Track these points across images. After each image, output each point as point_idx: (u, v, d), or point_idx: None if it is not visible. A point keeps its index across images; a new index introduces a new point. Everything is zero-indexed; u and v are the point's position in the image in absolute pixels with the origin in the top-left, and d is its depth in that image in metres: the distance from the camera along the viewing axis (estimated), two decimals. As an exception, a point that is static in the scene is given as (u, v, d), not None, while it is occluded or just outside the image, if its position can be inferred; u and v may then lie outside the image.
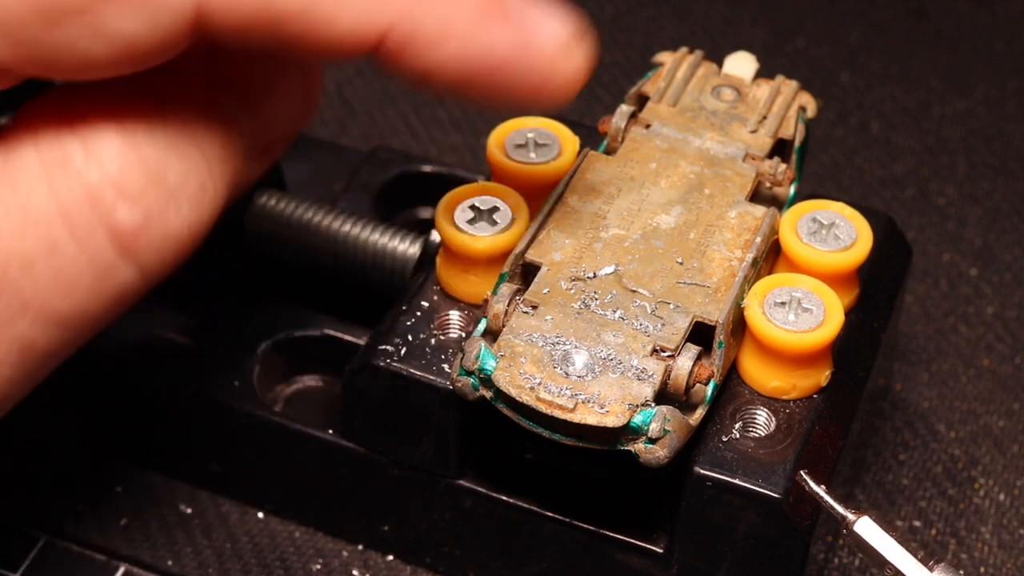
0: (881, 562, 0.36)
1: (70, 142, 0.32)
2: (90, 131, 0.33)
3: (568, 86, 0.34)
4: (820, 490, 0.37)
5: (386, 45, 0.32)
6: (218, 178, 0.34)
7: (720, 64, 0.44)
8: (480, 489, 0.40)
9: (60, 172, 0.32)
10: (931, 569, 0.36)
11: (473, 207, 0.40)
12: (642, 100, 0.44)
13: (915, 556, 0.36)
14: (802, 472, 0.37)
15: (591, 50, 0.34)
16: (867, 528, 0.36)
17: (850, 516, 0.37)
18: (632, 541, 0.39)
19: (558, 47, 0.33)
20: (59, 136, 0.33)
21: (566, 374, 0.36)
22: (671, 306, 0.37)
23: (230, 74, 0.35)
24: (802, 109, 0.43)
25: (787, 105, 0.43)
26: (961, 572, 0.36)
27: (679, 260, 0.39)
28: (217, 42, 0.32)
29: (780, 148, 0.43)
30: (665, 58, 0.44)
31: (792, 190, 0.42)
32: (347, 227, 0.44)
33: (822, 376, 0.39)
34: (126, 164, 0.32)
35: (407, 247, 0.43)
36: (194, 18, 0.32)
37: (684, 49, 0.44)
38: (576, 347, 0.36)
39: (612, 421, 0.35)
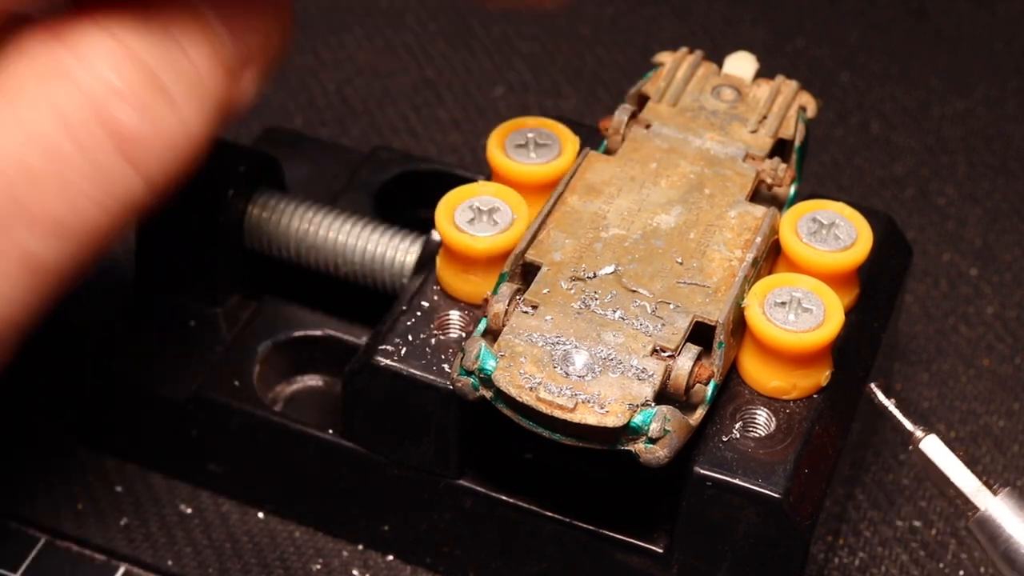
0: (944, 482, 0.35)
1: (62, 51, 0.33)
2: (80, 37, 0.33)
3: None
4: (889, 403, 0.36)
5: None
6: (207, 82, 0.34)
7: (720, 64, 0.44)
8: (480, 489, 0.40)
9: (56, 82, 0.32)
10: (995, 493, 0.35)
11: (473, 207, 0.40)
12: (642, 100, 0.44)
13: (979, 479, 0.35)
14: (872, 385, 0.36)
15: None
16: (933, 446, 0.36)
17: (918, 432, 0.36)
18: (632, 541, 0.39)
19: None
20: (50, 47, 0.33)
21: (566, 374, 0.36)
22: (671, 306, 0.37)
23: None
24: (802, 109, 0.43)
25: (787, 105, 0.43)
26: None
27: (679, 260, 0.39)
28: None
29: (780, 148, 0.43)
30: (665, 58, 0.44)
31: (792, 190, 0.42)
32: (347, 227, 0.44)
33: (822, 376, 0.39)
34: (120, 65, 0.33)
35: (407, 247, 0.43)
36: None
37: (684, 49, 0.44)
38: (576, 347, 0.36)
39: (612, 421, 0.35)
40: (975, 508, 0.35)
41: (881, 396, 0.36)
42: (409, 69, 0.60)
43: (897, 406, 0.36)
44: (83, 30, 0.33)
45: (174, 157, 0.34)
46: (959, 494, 0.35)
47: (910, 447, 0.35)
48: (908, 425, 0.36)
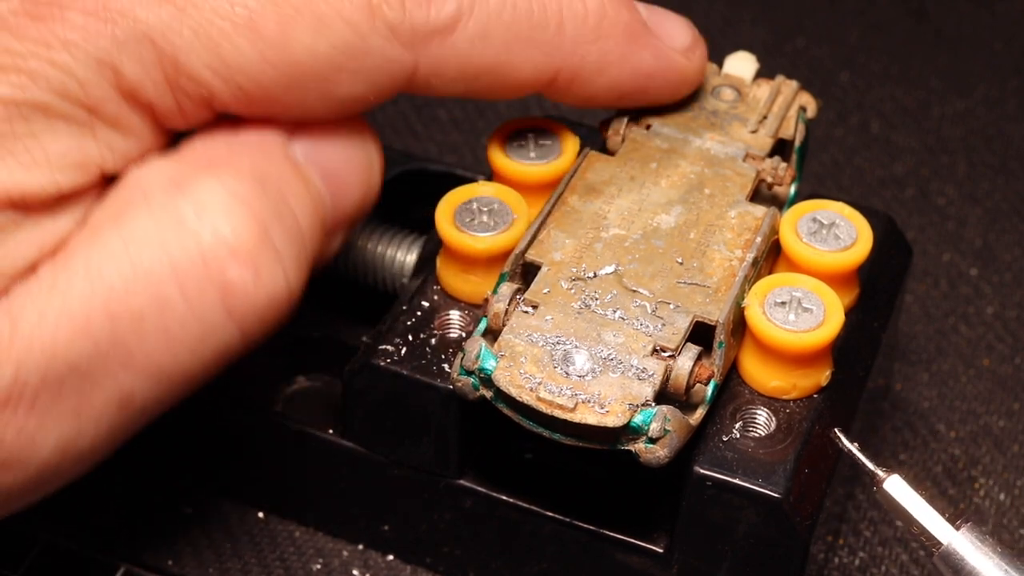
0: (908, 520, 0.36)
1: (180, 199, 0.33)
2: (199, 187, 0.33)
3: (698, 78, 0.41)
4: (852, 447, 0.37)
5: (557, 83, 0.38)
6: (309, 241, 0.35)
7: (720, 64, 0.44)
8: (480, 489, 0.40)
9: (172, 231, 0.33)
10: (957, 528, 0.36)
11: (473, 207, 0.40)
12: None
13: (942, 516, 0.36)
14: (836, 430, 0.37)
15: (705, 44, 0.41)
16: (896, 486, 0.36)
17: (880, 473, 0.37)
18: (632, 541, 0.39)
19: (689, 49, 0.40)
20: (170, 194, 0.33)
21: (566, 374, 0.36)
22: (671, 306, 0.37)
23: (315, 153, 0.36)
24: (802, 109, 0.43)
25: (787, 105, 0.43)
26: (985, 534, 0.36)
27: (679, 260, 0.39)
28: (415, 91, 0.36)
29: (780, 148, 0.43)
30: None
31: (792, 190, 0.42)
32: (347, 227, 0.44)
33: (822, 376, 0.39)
34: (236, 221, 0.33)
35: (407, 247, 0.43)
36: (406, 80, 0.35)
37: (684, 49, 0.44)
38: (576, 347, 0.36)
39: (612, 421, 0.35)
40: (939, 543, 0.35)
41: (845, 440, 0.37)
42: (409, 69, 0.60)
43: (860, 449, 0.37)
44: (201, 180, 0.33)
45: (274, 315, 0.34)
46: (923, 531, 0.36)
47: (874, 488, 0.36)
48: (870, 466, 0.37)
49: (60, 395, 0.32)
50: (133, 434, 0.35)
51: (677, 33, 0.40)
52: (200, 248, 0.33)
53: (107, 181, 0.34)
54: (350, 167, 0.37)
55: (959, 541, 0.36)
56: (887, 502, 0.36)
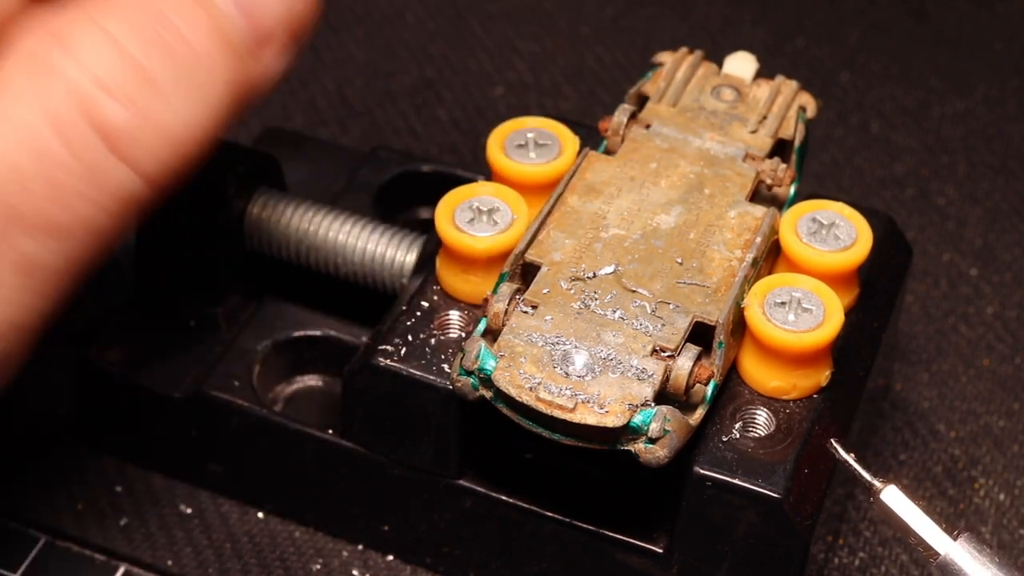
0: (906, 530, 0.36)
1: (53, 47, 0.32)
2: (71, 32, 0.32)
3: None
4: (849, 457, 0.37)
5: None
6: (209, 66, 0.33)
7: (720, 64, 0.44)
8: (480, 489, 0.40)
9: (44, 78, 0.32)
10: (954, 539, 0.36)
11: (473, 207, 0.40)
12: (642, 100, 0.44)
13: (940, 525, 0.36)
14: (832, 440, 0.37)
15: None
16: (893, 497, 0.36)
17: (877, 484, 0.37)
18: (632, 541, 0.39)
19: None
20: (43, 42, 0.32)
21: (566, 374, 0.36)
22: (671, 306, 0.37)
23: None
24: (802, 109, 0.43)
25: (787, 105, 0.43)
26: (983, 544, 0.36)
27: (679, 260, 0.39)
28: None
29: (780, 148, 0.43)
30: (665, 58, 0.44)
31: (792, 190, 0.42)
32: (347, 227, 0.44)
33: (822, 376, 0.39)
34: (106, 58, 0.32)
35: (407, 247, 0.43)
36: None
37: (684, 49, 0.44)
38: (576, 347, 0.36)
39: (612, 421, 0.35)
40: (936, 554, 0.36)
41: (841, 451, 0.37)
42: (409, 69, 0.60)
43: (857, 460, 0.37)
44: (76, 24, 0.32)
45: (171, 150, 0.33)
46: (920, 541, 0.36)
47: (871, 499, 0.36)
48: (867, 477, 0.37)
49: None
50: (53, 299, 0.33)
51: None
52: (72, 91, 0.32)
53: None
54: None
55: (956, 552, 0.36)
56: (884, 513, 0.37)
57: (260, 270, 0.45)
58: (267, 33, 0.34)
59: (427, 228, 0.42)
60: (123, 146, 0.32)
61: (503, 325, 0.37)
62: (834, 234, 0.40)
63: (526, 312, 0.37)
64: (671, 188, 0.41)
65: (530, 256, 0.38)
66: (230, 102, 0.34)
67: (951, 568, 0.36)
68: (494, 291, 0.38)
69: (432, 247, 0.42)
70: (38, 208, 0.32)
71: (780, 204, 0.42)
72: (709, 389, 0.37)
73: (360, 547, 0.43)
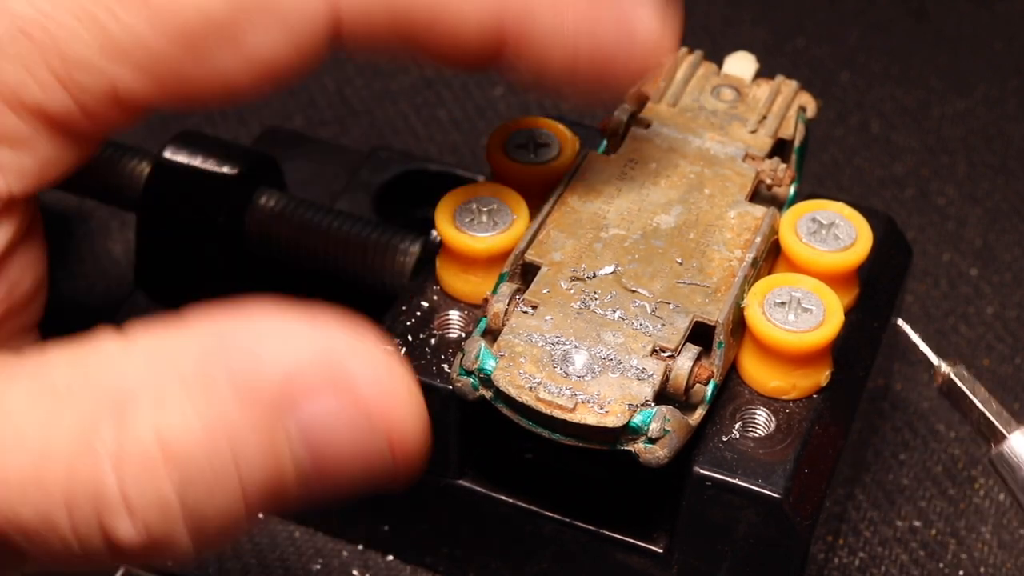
0: (970, 409, 0.36)
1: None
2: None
3: (659, 66, 0.36)
4: (916, 337, 0.37)
5: (507, 45, 0.33)
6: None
7: (720, 64, 0.44)
8: (480, 489, 0.40)
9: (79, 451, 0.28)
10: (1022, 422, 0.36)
11: (473, 207, 0.40)
12: (642, 100, 0.43)
13: (1005, 410, 0.36)
14: (899, 320, 0.37)
15: (676, 28, 0.36)
16: (961, 377, 0.36)
17: (944, 364, 0.36)
18: (632, 541, 0.39)
19: (653, 31, 0.34)
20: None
21: (566, 374, 0.36)
22: (671, 306, 0.37)
23: None
24: (802, 109, 0.43)
25: (787, 105, 0.43)
26: None
27: (679, 260, 0.39)
28: (348, 47, 0.32)
29: (780, 148, 0.43)
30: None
31: (792, 190, 0.42)
32: (347, 227, 0.44)
33: (822, 376, 0.39)
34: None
35: (407, 247, 0.43)
36: (328, 26, 0.31)
37: (684, 49, 0.44)
38: (576, 347, 0.36)
39: (612, 421, 0.35)
40: (1001, 436, 0.35)
41: (909, 330, 0.37)
42: (409, 69, 0.60)
43: (923, 339, 0.37)
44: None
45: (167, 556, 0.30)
46: (986, 421, 0.35)
47: (937, 381, 0.36)
48: (934, 358, 0.36)
49: None
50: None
51: (644, 9, 0.35)
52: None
53: (18, 202, 0.32)
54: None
55: (1019, 438, 0.35)
56: (949, 392, 0.36)
57: (260, 270, 0.45)
58: (324, 484, 0.32)
59: (427, 228, 0.42)
60: (124, 555, 0.29)
61: (503, 325, 0.37)
62: (834, 234, 0.40)
63: (526, 312, 0.37)
64: (671, 188, 0.41)
65: (530, 256, 0.38)
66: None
67: (1009, 457, 0.35)
68: (494, 291, 0.38)
69: (432, 247, 0.42)
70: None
71: (780, 204, 0.42)
72: (709, 389, 0.37)
73: (360, 547, 0.43)
